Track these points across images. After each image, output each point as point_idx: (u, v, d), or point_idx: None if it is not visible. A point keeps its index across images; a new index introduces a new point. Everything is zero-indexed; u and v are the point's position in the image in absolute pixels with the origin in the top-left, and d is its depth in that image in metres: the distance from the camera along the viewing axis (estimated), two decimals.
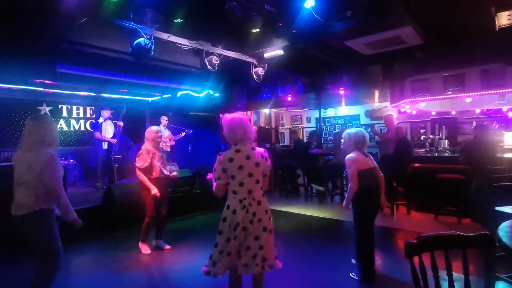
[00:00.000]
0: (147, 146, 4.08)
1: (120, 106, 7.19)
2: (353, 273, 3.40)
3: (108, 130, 7.08)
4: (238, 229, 2.34)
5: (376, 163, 3.36)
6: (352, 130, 3.40)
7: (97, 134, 6.90)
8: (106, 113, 7.04)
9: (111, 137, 7.00)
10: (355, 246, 3.35)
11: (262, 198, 2.51)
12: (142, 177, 3.95)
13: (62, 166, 2.63)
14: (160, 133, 4.21)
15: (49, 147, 2.53)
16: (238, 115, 2.62)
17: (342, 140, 3.51)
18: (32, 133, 2.52)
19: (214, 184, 2.49)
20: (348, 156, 3.29)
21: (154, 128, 4.24)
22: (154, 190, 3.93)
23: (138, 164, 3.96)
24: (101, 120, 7.01)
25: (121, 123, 6.97)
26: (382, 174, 3.38)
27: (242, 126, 2.51)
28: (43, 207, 2.48)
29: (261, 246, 2.38)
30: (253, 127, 2.61)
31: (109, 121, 7.14)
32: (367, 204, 3.25)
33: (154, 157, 4.02)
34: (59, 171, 2.52)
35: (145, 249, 4.22)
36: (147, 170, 3.98)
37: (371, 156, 3.41)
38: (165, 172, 4.15)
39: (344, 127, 11.46)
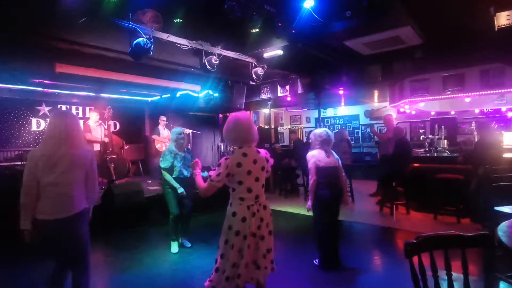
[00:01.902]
0: (170, 146, 4.26)
1: (105, 107, 6.95)
2: (315, 260, 3.72)
3: (97, 131, 6.97)
4: (249, 237, 2.23)
5: (340, 164, 3.62)
6: (318, 130, 3.66)
7: (88, 135, 6.80)
8: (95, 115, 6.89)
9: (102, 138, 6.89)
10: (315, 234, 3.67)
11: (266, 202, 2.45)
12: (167, 176, 4.14)
13: None
14: (182, 134, 4.31)
15: (85, 144, 2.58)
16: (243, 114, 2.43)
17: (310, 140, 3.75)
18: (72, 130, 2.38)
19: (204, 184, 2.36)
20: (310, 152, 3.58)
21: (177, 129, 4.36)
22: (180, 190, 4.10)
23: (162, 165, 4.15)
24: (91, 122, 6.86)
25: (112, 123, 6.83)
26: (344, 175, 3.68)
27: (249, 126, 2.36)
28: (82, 208, 2.43)
29: (269, 249, 2.36)
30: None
31: (96, 123, 6.91)
32: (324, 199, 3.48)
33: (176, 158, 4.18)
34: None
35: (174, 247, 4.31)
36: (170, 170, 4.17)
37: (338, 157, 3.66)
38: (185, 173, 4.26)
39: (343, 127, 11.48)
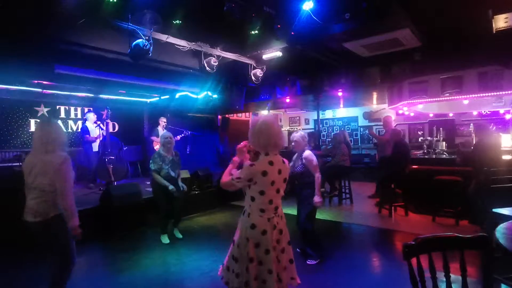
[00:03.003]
0: (159, 150, 4.56)
1: (102, 107, 7.04)
2: (309, 261, 3.79)
3: (95, 132, 6.93)
4: (272, 251, 2.11)
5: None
6: (299, 133, 3.78)
7: (87, 136, 6.80)
8: (91, 115, 6.93)
9: (101, 138, 6.86)
10: (306, 235, 3.87)
11: (282, 212, 2.31)
12: (157, 177, 4.41)
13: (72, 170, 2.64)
14: (171, 138, 4.58)
15: (63, 150, 2.54)
16: (271, 117, 2.28)
17: (293, 143, 3.80)
18: (45, 137, 2.48)
19: (228, 177, 2.21)
20: (309, 152, 3.70)
21: (165, 133, 4.71)
22: (171, 186, 4.36)
23: (152, 167, 4.45)
24: (88, 123, 6.89)
25: (109, 121, 6.77)
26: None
27: (279, 131, 2.21)
28: (57, 213, 2.48)
29: (291, 260, 2.31)
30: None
31: (94, 124, 6.94)
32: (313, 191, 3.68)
33: (164, 161, 4.46)
34: (71, 174, 2.51)
35: (164, 239, 4.64)
36: (159, 172, 4.45)
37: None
38: (172, 174, 4.51)
39: (342, 129, 11.49)
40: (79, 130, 7.86)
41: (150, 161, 4.50)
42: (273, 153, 2.18)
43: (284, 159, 2.29)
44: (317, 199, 3.61)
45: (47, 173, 2.42)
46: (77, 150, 7.93)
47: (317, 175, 3.61)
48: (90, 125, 6.89)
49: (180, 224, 4.93)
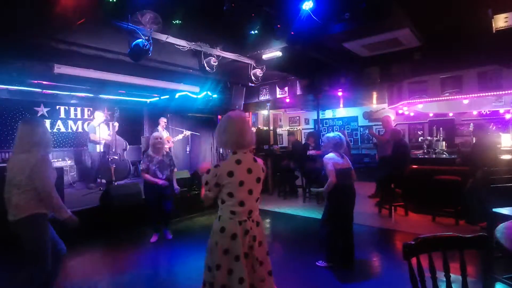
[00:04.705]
0: (148, 150, 4.60)
1: (112, 108, 7.16)
2: (319, 262, 3.72)
3: (103, 132, 7.03)
4: (242, 259, 1.96)
5: (351, 165, 3.73)
6: (331, 134, 3.76)
7: (93, 135, 6.88)
8: (100, 115, 7.04)
9: (106, 138, 6.97)
10: (321, 238, 3.70)
11: (260, 218, 2.15)
12: (146, 176, 4.46)
13: (55, 168, 2.65)
14: (160, 139, 4.58)
15: (41, 150, 2.53)
16: (237, 113, 2.14)
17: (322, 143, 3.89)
18: (23, 136, 2.53)
19: (203, 192, 2.09)
20: (326, 155, 3.67)
21: (155, 134, 4.74)
22: (161, 181, 4.42)
23: (140, 166, 4.59)
24: (95, 122, 6.98)
25: (116, 124, 6.93)
26: (355, 175, 3.74)
27: (242, 127, 2.05)
28: (35, 212, 2.47)
29: (269, 272, 2.13)
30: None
31: (103, 124, 7.10)
32: (341, 200, 3.58)
33: (151, 161, 4.47)
34: (49, 172, 2.51)
35: (153, 238, 4.70)
36: (147, 171, 4.49)
37: (348, 158, 3.77)
38: (159, 175, 4.51)
39: (342, 129, 11.50)
40: (86, 129, 7.99)
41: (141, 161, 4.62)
42: (241, 152, 2.05)
43: (257, 158, 2.16)
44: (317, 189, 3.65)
45: (23, 171, 2.44)
46: (78, 150, 7.95)
47: (329, 180, 3.51)
48: (96, 124, 6.98)
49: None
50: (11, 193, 2.48)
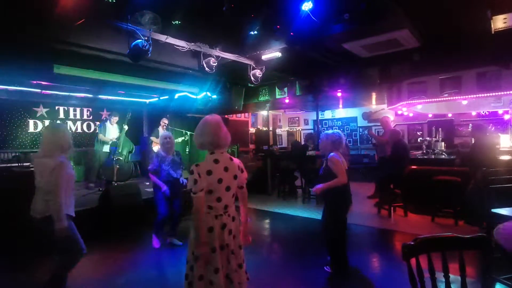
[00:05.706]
0: (159, 150, 4.46)
1: (125, 111, 7.31)
2: (326, 267, 3.55)
3: (112, 133, 7.07)
4: (218, 250, 2.11)
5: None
6: (329, 131, 3.65)
7: (101, 136, 6.92)
8: (114, 119, 7.13)
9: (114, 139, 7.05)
10: (328, 241, 3.50)
11: (236, 213, 2.30)
12: (153, 178, 4.30)
13: (71, 174, 2.75)
14: (170, 138, 4.43)
15: (62, 154, 2.68)
16: (212, 117, 2.30)
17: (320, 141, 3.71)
18: (47, 141, 2.70)
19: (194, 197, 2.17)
20: (332, 154, 3.48)
21: (164, 133, 4.58)
22: (164, 187, 4.22)
23: (149, 167, 4.36)
24: (108, 124, 7.08)
25: (126, 127, 7.03)
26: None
27: (217, 129, 2.21)
28: (48, 214, 2.60)
29: (240, 264, 2.24)
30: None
31: (115, 125, 7.18)
32: (344, 200, 3.47)
33: (163, 161, 4.34)
34: (65, 179, 2.62)
35: (155, 242, 4.46)
36: (157, 172, 4.32)
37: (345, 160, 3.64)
38: (173, 175, 4.38)
39: (341, 129, 11.50)
40: (86, 129, 8.03)
41: (150, 162, 4.48)
42: (218, 152, 2.22)
43: (233, 157, 2.32)
44: (317, 187, 3.46)
45: (43, 175, 2.62)
46: (82, 150, 7.92)
47: (338, 179, 3.35)
48: (109, 125, 7.06)
49: (178, 228, 4.64)
50: (36, 194, 2.68)
